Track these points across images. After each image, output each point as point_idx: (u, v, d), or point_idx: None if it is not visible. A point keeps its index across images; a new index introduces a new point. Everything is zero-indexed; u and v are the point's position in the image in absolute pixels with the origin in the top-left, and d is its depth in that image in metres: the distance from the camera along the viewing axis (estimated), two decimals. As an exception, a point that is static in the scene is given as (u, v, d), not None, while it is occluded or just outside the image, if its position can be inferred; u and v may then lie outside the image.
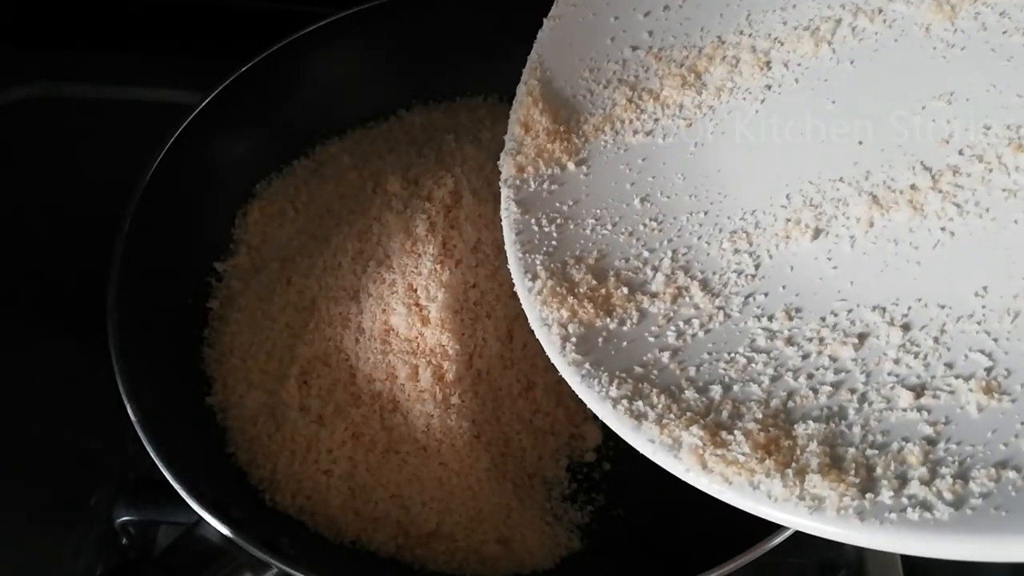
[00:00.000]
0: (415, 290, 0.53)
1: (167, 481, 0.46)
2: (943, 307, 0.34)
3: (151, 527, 0.57)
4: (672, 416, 0.35)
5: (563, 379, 0.57)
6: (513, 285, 0.57)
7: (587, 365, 0.38)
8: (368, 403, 0.52)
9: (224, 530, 0.45)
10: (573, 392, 0.57)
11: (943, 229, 0.36)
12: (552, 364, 0.57)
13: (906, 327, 0.35)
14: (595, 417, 0.56)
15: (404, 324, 0.53)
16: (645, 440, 0.35)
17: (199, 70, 0.63)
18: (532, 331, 0.57)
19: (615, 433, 0.56)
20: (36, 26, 0.78)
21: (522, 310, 0.56)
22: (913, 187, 0.38)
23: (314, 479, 0.51)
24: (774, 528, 0.45)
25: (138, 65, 0.77)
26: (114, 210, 0.55)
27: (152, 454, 0.46)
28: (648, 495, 0.54)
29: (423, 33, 0.67)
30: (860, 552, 0.53)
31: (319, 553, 0.49)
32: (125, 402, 0.48)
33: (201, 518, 0.45)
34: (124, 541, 0.56)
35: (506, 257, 0.57)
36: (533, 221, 0.44)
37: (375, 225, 0.57)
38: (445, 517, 0.50)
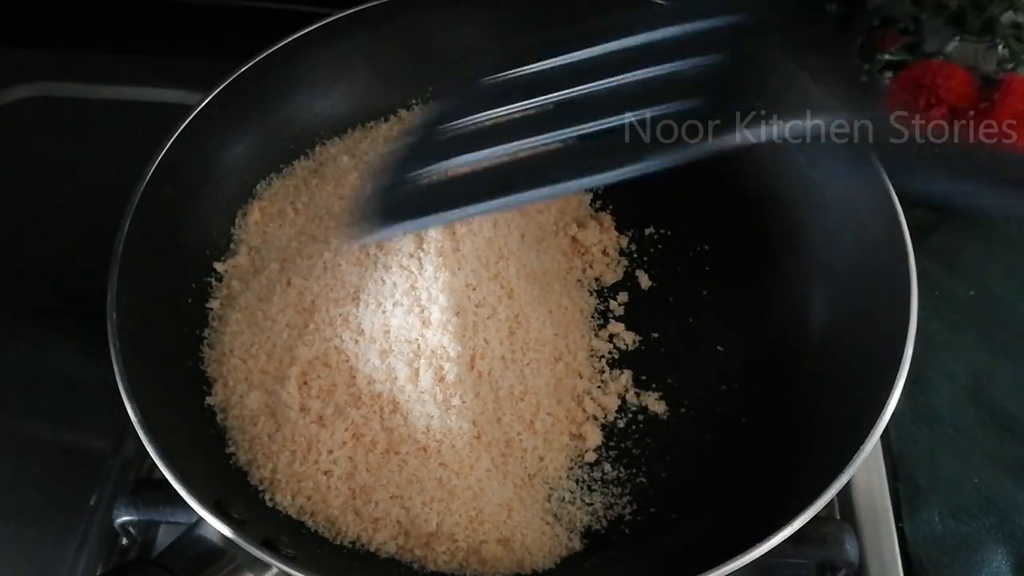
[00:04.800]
0: (416, 291, 0.53)
1: (167, 481, 0.46)
2: None
3: (151, 527, 0.56)
4: None
5: (564, 380, 0.57)
6: (514, 287, 0.57)
7: None
8: (368, 404, 0.52)
9: (224, 530, 0.45)
10: (574, 393, 0.57)
11: None
12: (554, 366, 0.57)
13: None
14: (595, 418, 0.57)
15: (405, 325, 0.53)
16: None
17: (199, 70, 0.63)
18: (533, 333, 0.57)
19: (615, 434, 0.56)
20: (36, 26, 0.78)
21: (523, 310, 0.56)
22: None
23: (314, 479, 0.51)
24: (773, 529, 0.45)
25: (138, 65, 0.77)
26: (114, 210, 0.55)
27: (152, 454, 0.46)
28: (648, 496, 0.54)
29: (423, 33, 0.67)
30: (860, 552, 0.53)
31: (319, 553, 0.49)
32: (125, 402, 0.48)
33: (201, 518, 0.45)
34: (124, 541, 0.56)
35: (506, 258, 0.57)
36: None
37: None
38: (445, 517, 0.50)
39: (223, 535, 0.45)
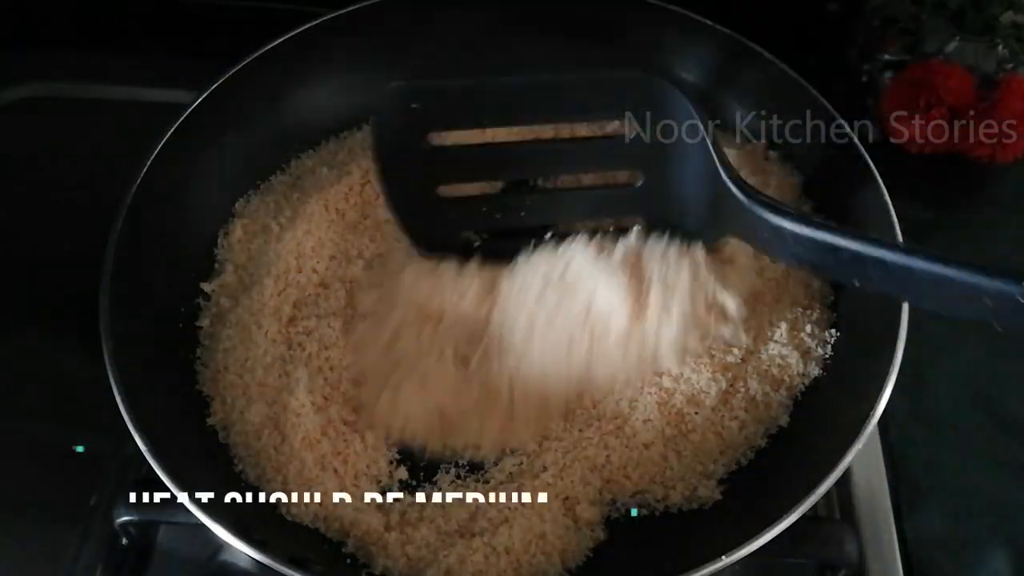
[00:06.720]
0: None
1: (167, 481, 0.46)
2: None
3: (151, 527, 0.56)
4: None
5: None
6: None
7: None
8: None
9: (253, 553, 0.44)
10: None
11: None
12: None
13: None
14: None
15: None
16: None
17: (199, 70, 0.63)
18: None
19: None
20: (36, 26, 0.78)
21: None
22: None
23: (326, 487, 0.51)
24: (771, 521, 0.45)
25: (138, 65, 0.77)
26: (115, 210, 0.55)
27: (169, 484, 0.46)
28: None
29: (388, 42, 0.67)
30: (860, 552, 0.53)
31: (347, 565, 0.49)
32: (133, 433, 0.48)
33: (221, 546, 0.44)
34: (124, 541, 0.56)
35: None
36: None
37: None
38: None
39: (250, 558, 0.44)
